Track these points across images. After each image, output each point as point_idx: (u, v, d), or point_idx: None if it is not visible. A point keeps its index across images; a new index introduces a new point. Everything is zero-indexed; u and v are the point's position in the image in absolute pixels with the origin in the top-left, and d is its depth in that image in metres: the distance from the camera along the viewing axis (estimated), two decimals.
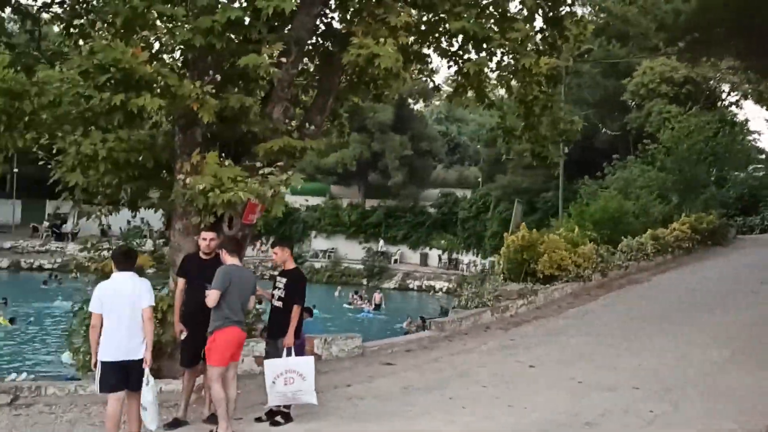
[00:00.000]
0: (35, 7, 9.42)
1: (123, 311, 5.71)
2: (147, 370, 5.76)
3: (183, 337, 6.74)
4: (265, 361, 6.69)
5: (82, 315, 8.43)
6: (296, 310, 6.70)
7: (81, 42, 9.35)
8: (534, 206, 33.48)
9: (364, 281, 38.61)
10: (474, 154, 55.26)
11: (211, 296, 6.13)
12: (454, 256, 40.50)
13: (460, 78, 9.59)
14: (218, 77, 7.36)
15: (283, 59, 7.19)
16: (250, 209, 8.24)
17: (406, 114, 44.47)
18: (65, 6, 9.28)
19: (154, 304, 5.92)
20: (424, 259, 41.13)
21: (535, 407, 7.26)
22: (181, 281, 6.86)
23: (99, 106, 6.40)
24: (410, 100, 46.86)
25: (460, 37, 9.24)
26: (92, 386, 7.66)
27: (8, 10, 9.39)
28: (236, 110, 7.37)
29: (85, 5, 9.18)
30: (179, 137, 7.83)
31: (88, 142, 7.18)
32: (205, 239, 6.86)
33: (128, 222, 35.07)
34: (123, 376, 5.70)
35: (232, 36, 7.32)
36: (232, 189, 6.95)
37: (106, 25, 8.03)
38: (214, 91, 6.90)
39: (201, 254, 6.90)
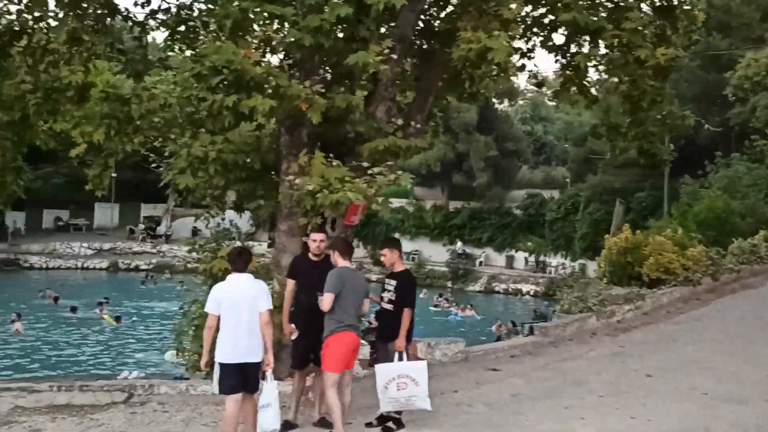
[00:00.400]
0: (143, 15, 9.69)
1: (241, 313, 5.68)
2: (270, 372, 5.73)
3: (293, 338, 6.68)
4: (377, 366, 6.53)
5: (190, 315, 8.56)
6: (407, 313, 6.52)
7: (184, 47, 9.57)
8: (628, 206, 32.18)
9: (449, 284, 38.19)
10: (561, 154, 53.87)
11: (326, 300, 6.03)
12: (542, 258, 39.48)
13: (567, 72, 9.20)
14: (328, 76, 7.28)
15: (394, 56, 7.03)
16: (352, 210, 8.15)
17: (490, 114, 43.83)
18: (170, 13, 9.50)
19: (271, 307, 5.87)
20: (510, 262, 40.29)
21: (661, 420, 6.80)
22: (290, 283, 6.81)
23: (210, 108, 6.44)
24: (495, 100, 46.17)
25: (565, 30, 8.90)
26: (203, 386, 7.76)
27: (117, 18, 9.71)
28: (341, 110, 7.28)
29: (189, 11, 9.37)
30: (285, 138, 7.82)
31: (198, 145, 7.26)
32: (315, 240, 6.77)
33: (218, 224, 36.22)
34: (242, 378, 5.67)
35: (339, 34, 7.25)
36: (340, 190, 6.86)
37: (212, 28, 8.12)
38: (323, 90, 6.82)
39: (310, 255, 6.82)
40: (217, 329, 5.76)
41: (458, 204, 43.93)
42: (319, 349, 6.50)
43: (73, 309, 22.16)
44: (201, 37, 9.06)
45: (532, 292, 35.39)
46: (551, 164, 54.65)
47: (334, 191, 6.83)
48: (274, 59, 7.55)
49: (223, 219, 10.08)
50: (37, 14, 8.70)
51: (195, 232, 43.84)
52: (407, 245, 42.72)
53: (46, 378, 9.55)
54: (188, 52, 9.28)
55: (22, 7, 8.62)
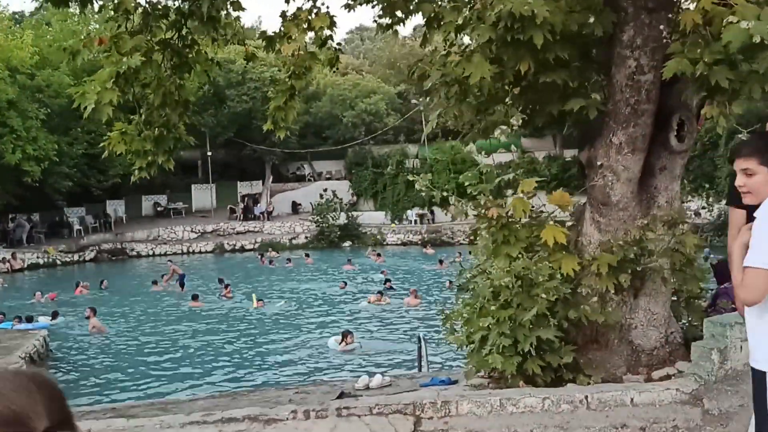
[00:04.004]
0: None
1: None
2: None
3: None
4: None
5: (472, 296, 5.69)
6: None
7: None
8: None
9: None
10: None
11: None
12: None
13: None
14: None
15: None
16: None
17: None
18: None
19: None
20: None
21: None
22: (738, 214, 3.76)
23: None
24: None
25: None
26: (526, 399, 4.95)
27: None
28: None
29: None
30: None
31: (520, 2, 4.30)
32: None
33: (320, 196, 33.17)
34: None
35: None
36: None
37: None
38: None
39: None
40: None
41: (575, 152, 39.96)
42: None
43: (195, 297, 19.71)
44: None
45: None
46: None
47: None
48: None
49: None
50: None
51: (295, 207, 41.88)
52: None
53: (248, 394, 6.71)
54: None
55: None
